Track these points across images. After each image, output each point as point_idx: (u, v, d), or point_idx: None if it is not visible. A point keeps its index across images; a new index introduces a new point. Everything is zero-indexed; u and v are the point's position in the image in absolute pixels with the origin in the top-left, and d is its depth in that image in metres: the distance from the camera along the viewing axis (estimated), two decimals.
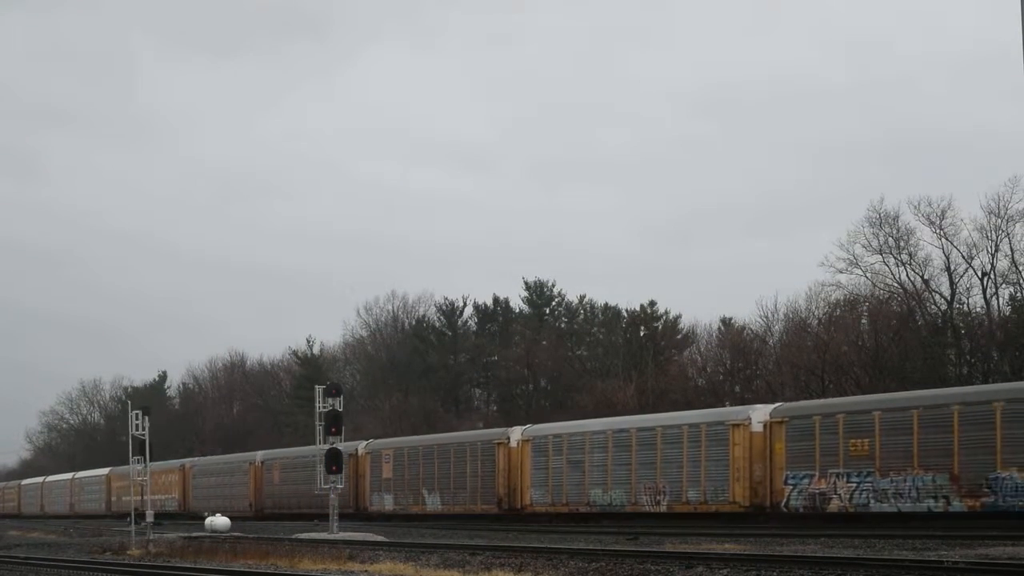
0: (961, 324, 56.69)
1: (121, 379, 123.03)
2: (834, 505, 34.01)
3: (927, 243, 56.83)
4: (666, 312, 76.73)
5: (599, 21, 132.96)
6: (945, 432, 31.61)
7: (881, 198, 58.55)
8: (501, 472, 45.10)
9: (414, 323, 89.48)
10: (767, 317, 65.89)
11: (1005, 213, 54.22)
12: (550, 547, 26.33)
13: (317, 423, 39.96)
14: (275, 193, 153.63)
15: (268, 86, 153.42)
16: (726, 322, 71.17)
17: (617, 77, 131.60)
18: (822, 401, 39.95)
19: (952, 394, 34.08)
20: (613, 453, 40.40)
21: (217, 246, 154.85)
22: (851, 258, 57.70)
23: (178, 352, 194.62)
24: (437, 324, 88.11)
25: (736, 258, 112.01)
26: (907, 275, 57.44)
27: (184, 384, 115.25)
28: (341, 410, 39.65)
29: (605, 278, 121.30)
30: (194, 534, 41.33)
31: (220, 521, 45.64)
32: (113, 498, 74.40)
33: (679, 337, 76.40)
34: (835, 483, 33.93)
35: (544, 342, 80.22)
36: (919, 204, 56.27)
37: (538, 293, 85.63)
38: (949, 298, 56.61)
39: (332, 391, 39.86)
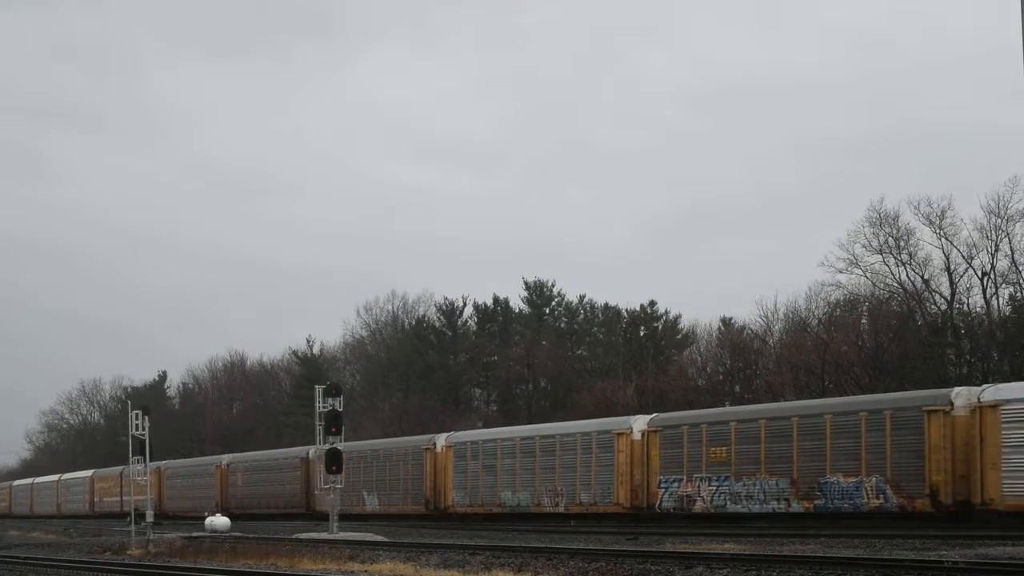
0: (961, 324, 56.69)
1: (121, 379, 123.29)
2: (698, 506, 37.73)
3: (927, 243, 56.92)
4: (666, 312, 76.88)
5: (599, 19, 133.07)
6: (786, 442, 35.33)
7: (881, 198, 58.65)
8: (428, 476, 48.53)
9: (414, 323, 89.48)
10: (767, 317, 65.96)
11: (1005, 213, 54.29)
12: (550, 547, 26.34)
13: (317, 423, 39.96)
14: (277, 192, 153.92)
15: (272, 85, 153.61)
16: (726, 322, 71.20)
17: (617, 74, 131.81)
18: (690, 412, 43.20)
19: (791, 407, 38.25)
20: (520, 459, 44.09)
21: (218, 245, 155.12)
22: (851, 258, 57.78)
23: (178, 352, 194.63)
24: (437, 324, 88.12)
25: (736, 257, 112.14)
26: (907, 275, 57.52)
27: (184, 384, 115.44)
28: (341, 410, 39.65)
29: (605, 278, 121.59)
30: (194, 534, 41.34)
31: (220, 521, 45.65)
32: (95, 499, 77.50)
33: (679, 337, 76.43)
34: (699, 486, 37.68)
35: (544, 342, 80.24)
36: (919, 204, 56.38)
37: (538, 293, 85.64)
38: (949, 298, 56.62)
39: (332, 391, 39.85)
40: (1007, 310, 55.92)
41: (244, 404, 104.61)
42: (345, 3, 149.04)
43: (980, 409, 31.10)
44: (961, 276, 56.14)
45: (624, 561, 21.72)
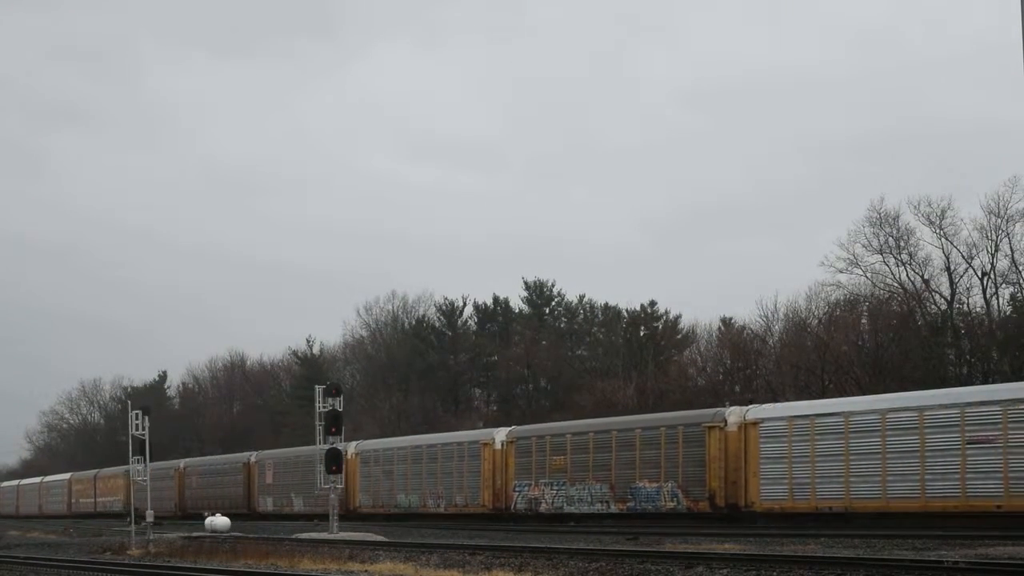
0: (961, 324, 56.70)
1: (121, 379, 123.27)
2: (543, 507, 43.00)
3: (927, 243, 56.93)
4: (666, 312, 76.86)
5: (602, 18, 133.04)
6: (607, 452, 40.74)
7: (881, 198, 58.69)
8: (349, 477, 52.63)
9: (414, 323, 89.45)
10: (767, 317, 65.97)
11: (1005, 213, 54.30)
12: (550, 547, 26.33)
13: (317, 423, 39.96)
14: (277, 191, 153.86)
15: (273, 84, 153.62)
16: (726, 322, 71.20)
17: (619, 73, 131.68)
18: (539, 425, 48.32)
19: (611, 422, 43.49)
20: (411, 465, 49.51)
21: (218, 245, 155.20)
22: (851, 258, 57.79)
23: (178, 352, 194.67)
24: (437, 324, 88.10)
25: (736, 257, 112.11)
26: (907, 275, 57.52)
27: (184, 384, 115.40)
28: (341, 410, 39.65)
29: (605, 278, 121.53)
30: (194, 534, 41.35)
31: (220, 521, 45.67)
32: (72, 500, 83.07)
33: (679, 337, 76.41)
34: (544, 490, 43.12)
35: (544, 342, 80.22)
36: (919, 204, 56.39)
37: (538, 293, 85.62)
38: (949, 298, 56.62)
39: (332, 391, 39.85)
40: (1007, 310, 55.96)
41: (244, 404, 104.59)
42: (347, 1, 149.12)
43: (745, 426, 36.28)
44: (961, 276, 56.22)
45: (624, 561, 21.72)
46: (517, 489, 44.29)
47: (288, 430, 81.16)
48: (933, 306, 57.54)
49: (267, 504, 59.81)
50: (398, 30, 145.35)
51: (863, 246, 57.49)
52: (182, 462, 70.79)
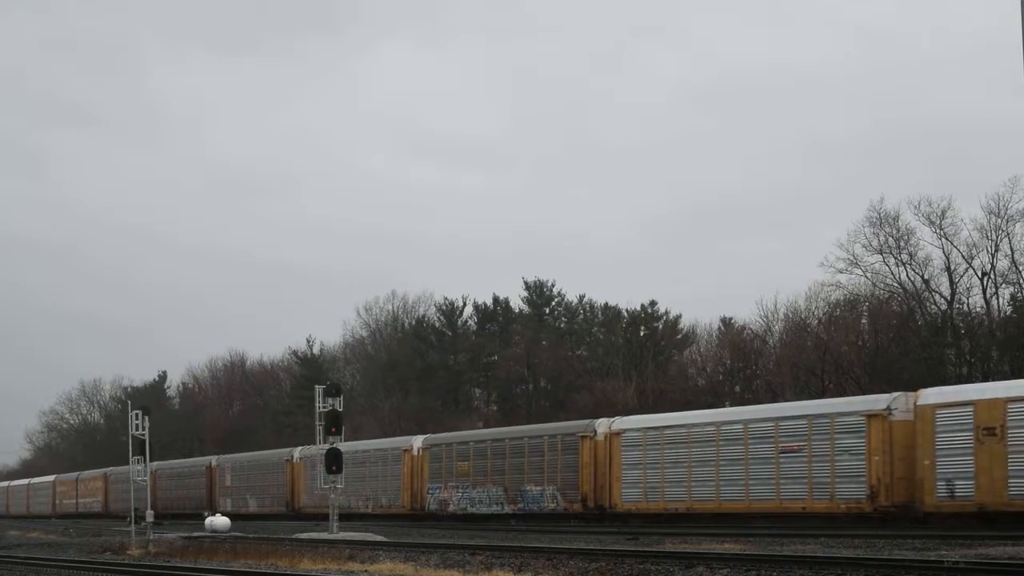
0: (961, 324, 56.70)
1: (121, 379, 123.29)
2: (452, 508, 47.48)
3: (927, 243, 56.94)
4: (666, 312, 76.84)
5: (602, 16, 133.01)
6: (502, 459, 45.49)
7: (881, 198, 58.69)
8: (287, 483, 58.95)
9: (414, 323, 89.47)
10: (767, 317, 65.95)
11: (1005, 213, 54.30)
12: (550, 547, 26.33)
13: (317, 423, 39.97)
14: (278, 191, 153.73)
15: (276, 82, 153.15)
16: (726, 322, 71.23)
17: (619, 72, 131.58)
18: (449, 434, 53.39)
19: (505, 432, 48.78)
20: (349, 469, 51.34)
21: (218, 244, 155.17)
22: (851, 258, 57.78)
23: (178, 352, 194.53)
24: (437, 324, 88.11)
25: (736, 257, 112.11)
26: (907, 275, 57.53)
27: (184, 384, 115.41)
28: (341, 410, 39.66)
29: (605, 278, 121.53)
30: (194, 534, 41.36)
31: (220, 521, 45.68)
32: (57, 501, 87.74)
33: (679, 337, 76.41)
34: (451, 493, 47.71)
35: (544, 342, 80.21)
36: (919, 204, 56.40)
37: (538, 293, 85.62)
38: (949, 298, 56.63)
39: (332, 391, 39.86)
40: (1007, 310, 55.94)
41: (244, 404, 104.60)
42: None
43: (611, 436, 40.88)
44: (961, 276, 56.23)
45: (624, 561, 21.72)
46: (430, 492, 48.97)
47: (288, 430, 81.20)
48: (933, 306, 57.55)
49: (227, 504, 63.31)
50: (399, 29, 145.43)
51: (863, 246, 57.58)
52: (153, 465, 71.11)
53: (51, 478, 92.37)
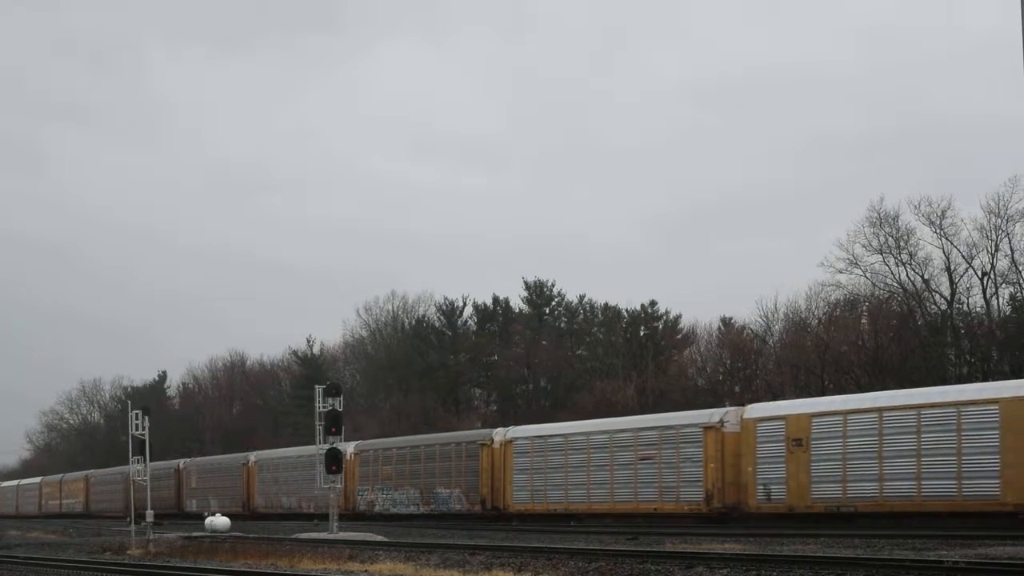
0: (961, 324, 56.71)
1: (121, 379, 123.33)
2: (377, 508, 51.77)
3: (927, 243, 56.93)
4: (666, 312, 76.84)
5: (606, 14, 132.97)
6: (418, 463, 50.11)
7: (881, 198, 58.67)
8: (243, 485, 63.63)
9: (414, 323, 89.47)
10: (767, 317, 65.99)
11: (1005, 213, 54.30)
12: (550, 547, 26.34)
13: (317, 423, 39.96)
14: (278, 190, 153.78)
15: (277, 80, 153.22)
16: (726, 322, 71.23)
17: (620, 70, 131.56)
18: (376, 440, 57.16)
19: (421, 439, 53.14)
20: (291, 472, 59.78)
21: (218, 244, 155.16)
22: (851, 258, 57.78)
23: (178, 352, 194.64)
24: (437, 324, 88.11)
25: (736, 257, 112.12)
26: (907, 275, 57.52)
27: (184, 384, 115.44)
28: (341, 410, 39.64)
29: (605, 277, 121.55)
30: (194, 534, 41.36)
31: (220, 521, 45.69)
32: (43, 501, 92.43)
33: (679, 337, 76.41)
34: (377, 494, 52.22)
35: (544, 342, 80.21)
36: (919, 204, 56.40)
37: (538, 293, 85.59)
38: (949, 298, 56.63)
39: (332, 391, 39.83)
40: (1007, 310, 55.95)
41: (244, 404, 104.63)
42: None
43: (505, 444, 45.34)
44: (961, 276, 56.23)
45: (624, 561, 21.72)
46: (360, 493, 53.51)
47: (288, 430, 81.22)
48: (933, 306, 57.56)
49: (192, 504, 67.83)
50: (400, 28, 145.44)
51: (863, 246, 57.57)
52: (125, 469, 77.28)
53: (38, 480, 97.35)
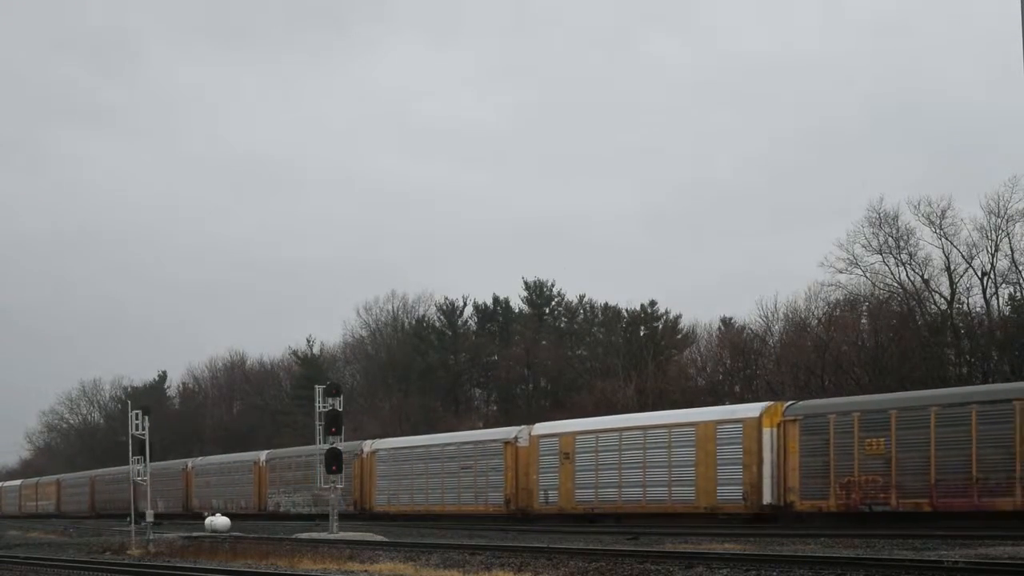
0: (961, 324, 56.69)
1: (121, 379, 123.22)
2: (282, 509, 58.72)
3: (927, 243, 56.91)
4: (666, 312, 76.86)
5: (604, 6, 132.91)
6: (312, 469, 52.02)
7: (881, 198, 58.63)
8: (184, 487, 70.03)
9: (414, 323, 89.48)
10: (767, 317, 65.94)
11: (1005, 213, 54.28)
12: (550, 547, 26.34)
13: (317, 423, 39.97)
14: (278, 189, 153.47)
15: (277, 77, 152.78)
16: (726, 322, 71.24)
17: (622, 64, 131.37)
18: (285, 450, 64.55)
19: (311, 450, 54.62)
20: (217, 477, 67.06)
21: (218, 243, 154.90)
22: (851, 258, 57.75)
23: (178, 352, 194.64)
24: (437, 324, 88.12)
25: (737, 257, 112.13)
26: (907, 275, 57.51)
27: (184, 384, 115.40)
28: (341, 410, 39.64)
29: (605, 277, 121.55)
30: (194, 534, 41.36)
31: (220, 521, 45.68)
32: (22, 503, 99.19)
33: (679, 337, 76.42)
34: (281, 497, 59.58)
35: (544, 342, 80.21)
36: (919, 204, 56.39)
37: (538, 293, 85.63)
38: (949, 298, 56.61)
39: (332, 391, 39.83)
40: (1007, 310, 55.93)
41: (244, 404, 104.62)
42: None
43: (370, 454, 53.30)
44: (961, 276, 56.19)
45: (624, 561, 21.72)
46: (270, 496, 60.52)
47: (288, 430, 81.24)
48: (933, 306, 57.54)
49: (159, 507, 71.92)
50: (402, 24, 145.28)
51: (863, 246, 57.56)
52: (93, 472, 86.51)
53: (18, 483, 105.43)
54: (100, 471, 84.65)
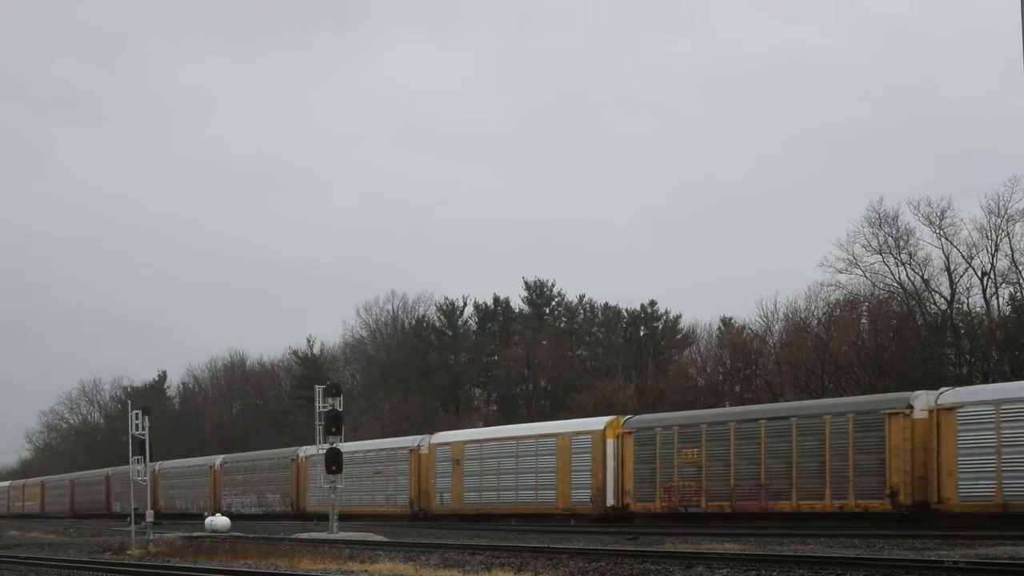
0: (961, 324, 56.67)
1: (121, 379, 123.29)
2: (233, 509, 61.03)
3: (927, 243, 56.90)
4: (666, 312, 76.85)
5: (606, 4, 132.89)
6: (256, 474, 62.74)
7: (880, 198, 58.61)
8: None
9: (414, 323, 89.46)
10: (767, 317, 65.92)
11: (1005, 213, 54.27)
12: (550, 547, 26.34)
13: (317, 423, 39.98)
14: (278, 189, 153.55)
15: (279, 75, 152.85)
16: (726, 322, 71.20)
17: (622, 63, 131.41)
18: (238, 455, 68.96)
19: (255, 455, 66.53)
20: (179, 479, 71.81)
21: (218, 243, 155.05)
22: (851, 258, 57.72)
23: (178, 352, 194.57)
24: (437, 324, 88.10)
25: (736, 257, 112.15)
26: (907, 275, 57.49)
27: (184, 384, 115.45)
28: (341, 410, 39.65)
29: (605, 277, 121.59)
30: (194, 534, 41.36)
31: (220, 521, 45.70)
32: (10, 503, 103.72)
33: (679, 337, 76.41)
34: (233, 499, 63.88)
35: (544, 342, 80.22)
36: (919, 204, 56.38)
37: (538, 293, 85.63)
38: (949, 298, 56.61)
39: (332, 391, 39.84)
40: (1007, 310, 55.92)
41: (244, 404, 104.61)
42: None
43: (304, 460, 57.50)
44: (961, 276, 56.19)
45: (624, 561, 21.72)
46: (224, 497, 65.27)
47: (288, 430, 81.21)
48: (933, 306, 57.53)
49: (116, 507, 76.58)
50: (400, 24, 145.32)
51: (863, 246, 57.54)
52: (72, 475, 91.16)
53: (7, 484, 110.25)
54: (78, 474, 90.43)
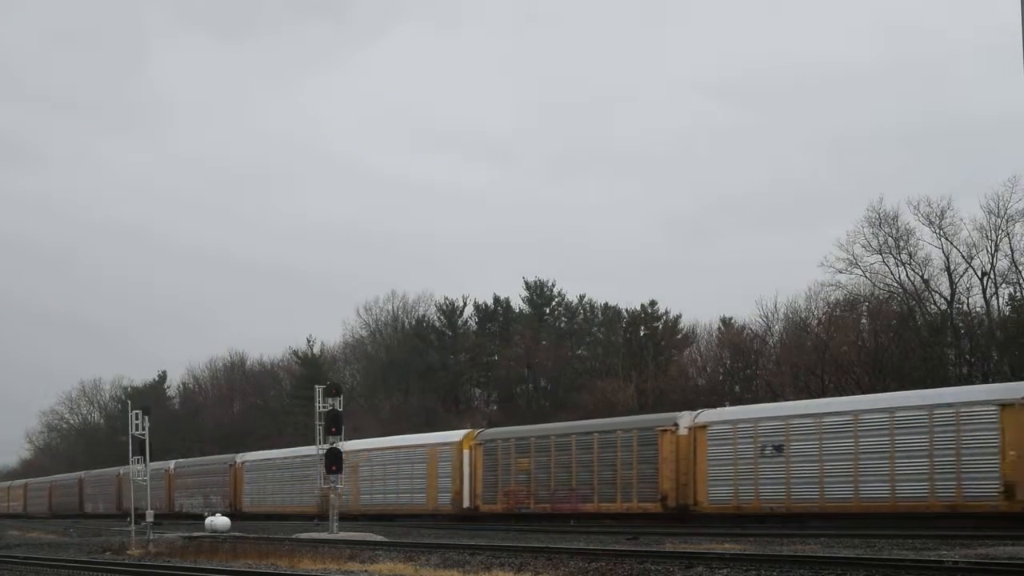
0: (961, 324, 56.68)
1: (121, 379, 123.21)
2: (184, 510, 67.43)
3: (927, 243, 56.92)
4: (666, 312, 76.79)
5: (613, 8, 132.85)
6: (204, 477, 68.60)
7: (880, 198, 58.66)
8: (117, 491, 77.32)
9: (414, 323, 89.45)
10: (767, 317, 65.98)
11: (1005, 213, 54.29)
12: (550, 547, 26.33)
13: (317, 423, 39.96)
14: (278, 187, 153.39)
15: (278, 72, 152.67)
16: (726, 322, 71.20)
17: (625, 67, 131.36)
18: (185, 460, 75.15)
19: (204, 460, 72.56)
20: (156, 482, 72.55)
21: (217, 243, 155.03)
22: (851, 258, 57.75)
23: (178, 352, 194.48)
24: (437, 324, 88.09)
25: (736, 257, 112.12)
26: (907, 275, 57.52)
27: (184, 384, 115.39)
28: (341, 410, 39.65)
29: (605, 277, 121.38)
30: (194, 534, 41.35)
31: (220, 521, 45.67)
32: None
33: (679, 337, 76.39)
34: (184, 500, 69.41)
35: (544, 342, 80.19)
36: (919, 204, 56.40)
37: (538, 293, 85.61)
38: (949, 298, 56.61)
39: (332, 391, 39.83)
40: (1007, 310, 55.93)
41: (244, 404, 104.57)
42: None
43: (243, 464, 64.12)
44: (961, 276, 56.20)
45: (624, 561, 21.71)
46: (176, 499, 70.32)
47: (288, 430, 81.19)
48: (933, 306, 57.55)
49: (88, 507, 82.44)
50: (401, 24, 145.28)
51: (863, 246, 57.56)
52: (51, 478, 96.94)
53: None
54: (56, 477, 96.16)
